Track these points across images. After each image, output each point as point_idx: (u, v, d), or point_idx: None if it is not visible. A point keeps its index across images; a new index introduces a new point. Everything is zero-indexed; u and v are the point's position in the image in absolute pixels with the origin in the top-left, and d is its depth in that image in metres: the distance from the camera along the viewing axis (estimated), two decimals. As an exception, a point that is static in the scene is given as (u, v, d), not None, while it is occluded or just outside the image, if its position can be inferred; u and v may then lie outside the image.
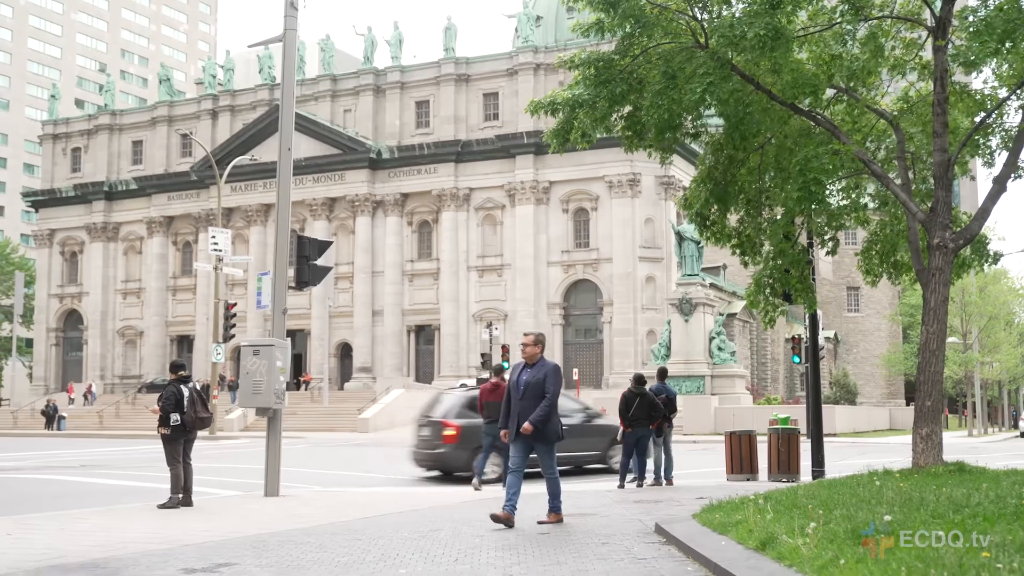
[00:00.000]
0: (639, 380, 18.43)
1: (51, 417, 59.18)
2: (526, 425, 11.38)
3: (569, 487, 18.65)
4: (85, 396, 71.44)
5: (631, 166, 63.55)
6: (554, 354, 67.15)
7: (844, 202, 18.39)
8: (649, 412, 18.04)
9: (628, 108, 16.67)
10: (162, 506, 14.39)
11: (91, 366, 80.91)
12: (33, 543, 10.69)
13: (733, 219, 18.58)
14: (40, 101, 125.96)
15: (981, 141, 16.63)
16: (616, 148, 43.07)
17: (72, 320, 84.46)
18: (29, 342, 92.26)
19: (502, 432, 11.84)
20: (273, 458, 16.54)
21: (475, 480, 18.44)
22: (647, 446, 18.34)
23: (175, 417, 14.59)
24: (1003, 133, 16.67)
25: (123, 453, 34.50)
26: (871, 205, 18.67)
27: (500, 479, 18.08)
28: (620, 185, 65.29)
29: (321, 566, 8.98)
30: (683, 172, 62.97)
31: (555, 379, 11.58)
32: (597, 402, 48.48)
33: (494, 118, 70.08)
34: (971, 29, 14.83)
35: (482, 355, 56.29)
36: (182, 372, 15.05)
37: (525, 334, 11.96)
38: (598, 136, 16.78)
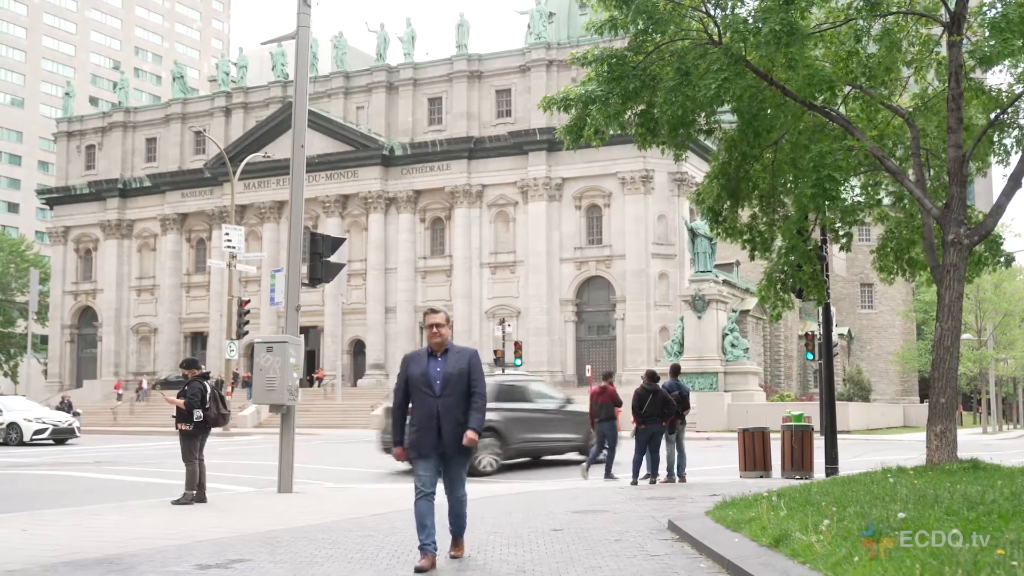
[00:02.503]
0: (652, 377, 18.46)
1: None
2: (470, 435, 8.51)
3: (577, 484, 18.67)
4: (137, 392, 71.31)
5: (644, 163, 63.42)
6: (567, 351, 67.12)
7: (859, 198, 18.35)
8: (662, 409, 18.05)
9: (641, 105, 16.64)
10: (176, 502, 14.43)
11: (105, 363, 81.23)
12: (48, 539, 10.74)
13: (745, 215, 18.54)
14: (54, 99, 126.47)
15: (996, 138, 16.55)
16: (629, 145, 42.99)
17: (87, 317, 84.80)
18: (44, 339, 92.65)
19: (396, 450, 8.86)
20: (287, 454, 16.58)
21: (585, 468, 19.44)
22: (660, 443, 18.33)
23: (198, 413, 14.63)
24: (1019, 130, 16.60)
25: (137, 449, 34.64)
26: (886, 202, 18.62)
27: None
28: (633, 182, 65.18)
29: (335, 562, 9.01)
30: (696, 168, 62.81)
31: (481, 370, 8.84)
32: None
33: (507, 115, 70.02)
34: (989, 25, 14.75)
35: (495, 352, 56.28)
36: (200, 369, 15.11)
37: (432, 311, 8.82)
38: (611, 133, 16.76)
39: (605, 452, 19.79)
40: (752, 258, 18.74)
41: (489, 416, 15.20)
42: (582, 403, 23.31)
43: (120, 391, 72.18)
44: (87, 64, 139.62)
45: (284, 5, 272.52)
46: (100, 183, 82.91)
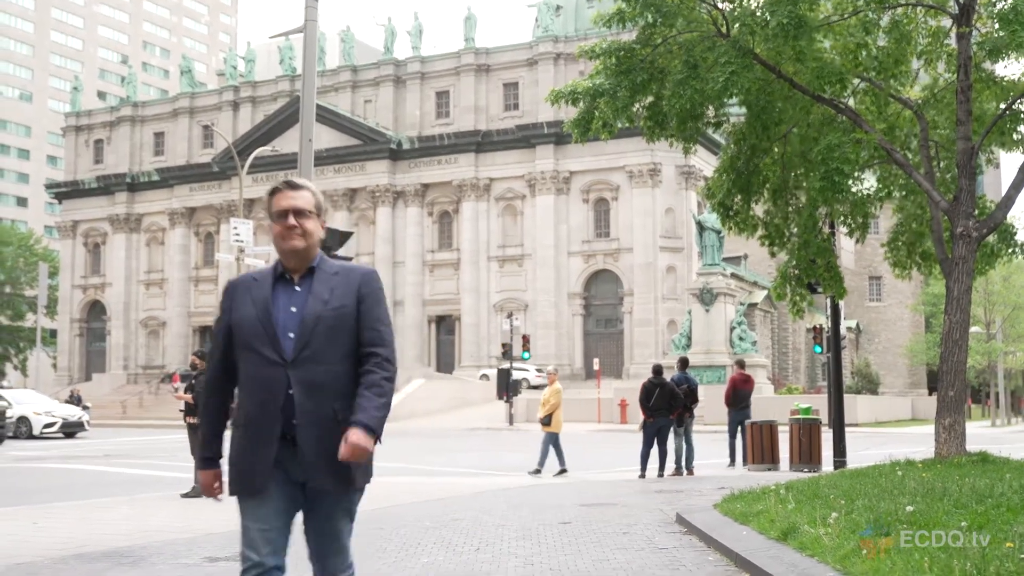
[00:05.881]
0: (658, 370, 18.54)
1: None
2: (356, 438, 4.04)
3: (588, 476, 18.70)
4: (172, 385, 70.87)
5: (652, 156, 63.30)
6: (575, 344, 67.05)
7: (868, 191, 18.30)
8: (669, 402, 18.09)
9: (650, 98, 16.61)
10: (185, 495, 14.47)
11: (114, 356, 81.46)
12: (58, 532, 10.78)
13: (759, 209, 18.50)
14: (63, 93, 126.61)
15: (1008, 128, 16.47)
16: (636, 138, 42.85)
17: (95, 311, 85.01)
18: (53, 333, 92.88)
19: (202, 475, 4.41)
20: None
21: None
22: (668, 436, 18.36)
23: None
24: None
25: (146, 443, 34.74)
26: (897, 195, 18.56)
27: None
28: (641, 175, 65.11)
29: (343, 555, 9.00)
30: (704, 162, 62.71)
31: (385, 308, 4.46)
32: (618, 393, 48.63)
33: (514, 108, 69.98)
34: (998, 17, 14.69)
35: (503, 345, 56.29)
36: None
37: (289, 185, 4.40)
38: (619, 126, 16.74)
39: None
40: (773, 254, 18.71)
41: None
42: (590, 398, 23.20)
43: (176, 385, 71.32)
44: (95, 59, 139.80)
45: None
46: (108, 177, 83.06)
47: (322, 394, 4.15)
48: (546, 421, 19.65)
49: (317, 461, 4.13)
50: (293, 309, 4.22)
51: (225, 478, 4.32)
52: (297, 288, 4.27)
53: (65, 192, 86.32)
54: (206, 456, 4.38)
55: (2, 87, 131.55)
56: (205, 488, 4.42)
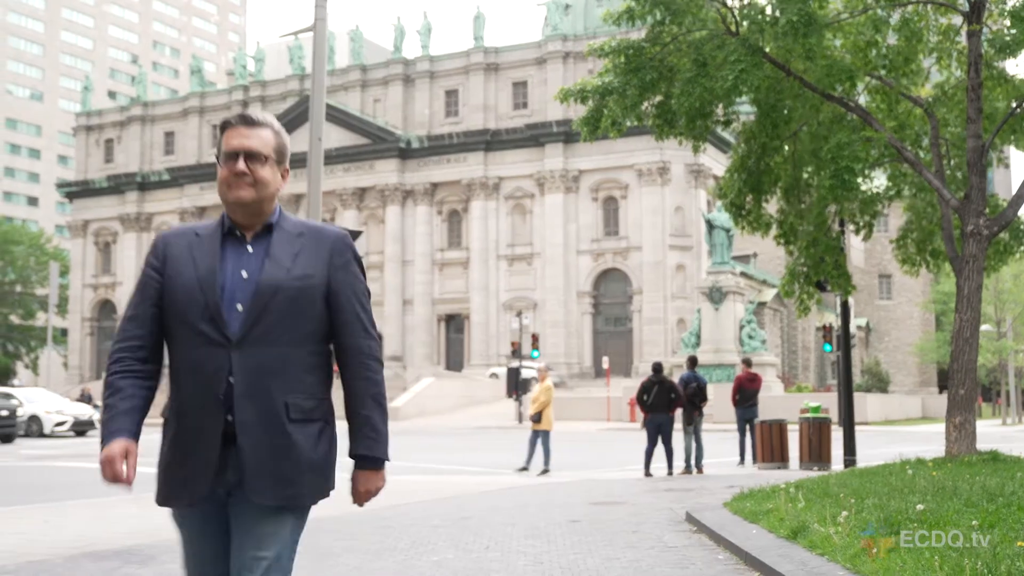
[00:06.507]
0: (657, 368, 18.76)
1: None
2: (373, 483, 3.50)
3: (597, 475, 18.68)
4: None
5: (661, 154, 63.26)
6: (584, 343, 67.05)
7: (878, 189, 18.29)
8: (668, 399, 18.17)
9: (659, 96, 16.60)
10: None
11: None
12: (69, 530, 10.81)
13: (772, 208, 18.49)
14: (73, 93, 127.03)
15: (1018, 126, 16.42)
16: (646, 136, 42.95)
17: (106, 310, 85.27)
18: (64, 331, 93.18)
19: (108, 447, 3.32)
20: (305, 446, 16.62)
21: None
22: (670, 433, 18.37)
23: None
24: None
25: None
26: (907, 192, 18.54)
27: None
28: (650, 173, 65.05)
29: (353, 553, 9.03)
30: (713, 160, 62.63)
31: (363, 284, 3.48)
32: (627, 391, 48.60)
33: (523, 107, 69.98)
34: (1009, 14, 14.65)
35: (512, 344, 56.32)
36: None
37: (245, 120, 3.39)
38: (628, 124, 16.74)
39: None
40: (790, 253, 18.70)
41: None
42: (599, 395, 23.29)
43: None
44: (105, 58, 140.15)
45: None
46: (119, 177, 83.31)
47: (271, 384, 3.22)
48: (536, 418, 19.65)
49: (259, 469, 3.20)
50: (244, 274, 3.26)
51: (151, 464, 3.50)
52: (249, 249, 3.32)
53: (76, 191, 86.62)
54: (113, 430, 3.30)
55: (13, 86, 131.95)
56: (107, 464, 3.26)
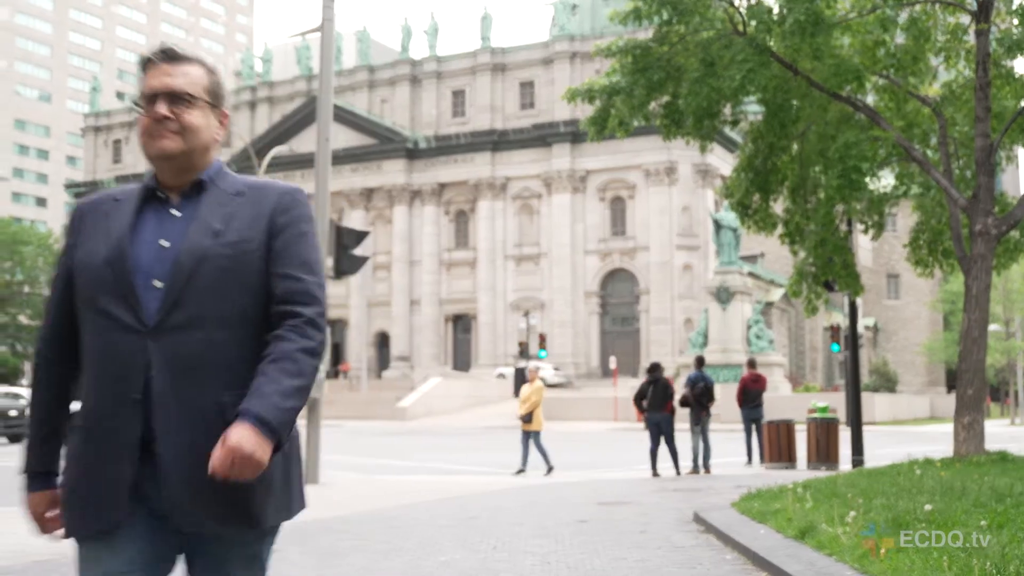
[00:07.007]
0: (652, 368, 19.02)
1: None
2: (238, 439, 2.41)
3: (604, 475, 18.68)
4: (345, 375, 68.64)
5: (668, 154, 63.24)
6: (591, 343, 67.01)
7: (886, 188, 18.28)
8: (663, 397, 18.28)
9: (666, 96, 16.61)
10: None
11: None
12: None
13: (778, 207, 18.48)
14: (81, 94, 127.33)
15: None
16: (653, 136, 42.91)
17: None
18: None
19: (30, 498, 2.76)
20: (313, 446, 16.65)
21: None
22: (671, 432, 18.38)
23: None
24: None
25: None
26: (915, 192, 18.51)
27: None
28: (657, 173, 65.04)
29: (361, 553, 9.04)
30: (721, 160, 62.61)
31: (315, 244, 2.78)
32: (634, 391, 48.45)
33: (530, 107, 70.03)
34: (1018, 13, 14.62)
35: (519, 344, 56.35)
36: None
37: (166, 54, 2.71)
38: (635, 124, 16.75)
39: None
40: (795, 253, 18.70)
41: None
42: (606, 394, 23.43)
43: (347, 371, 68.75)
44: (113, 59, 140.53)
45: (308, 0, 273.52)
46: (127, 177, 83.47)
47: (200, 378, 2.57)
48: (527, 419, 19.63)
49: (186, 488, 2.53)
50: (165, 244, 2.63)
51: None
52: (175, 213, 2.69)
53: (84, 192, 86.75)
54: (33, 471, 2.74)
55: (21, 87, 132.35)
56: (35, 518, 2.76)
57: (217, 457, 2.42)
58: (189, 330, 2.56)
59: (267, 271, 2.65)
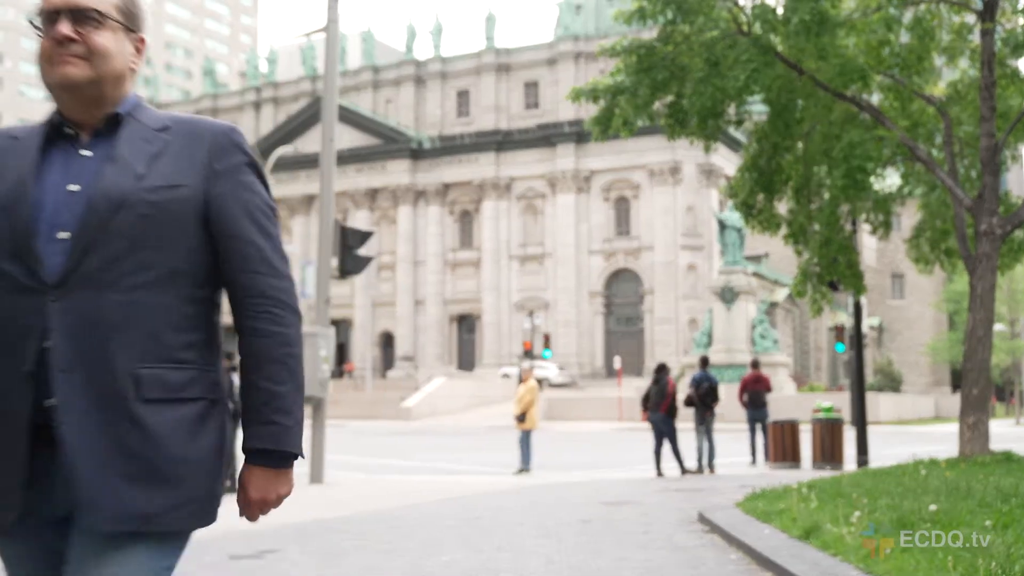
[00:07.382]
0: (658, 369, 19.24)
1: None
2: (265, 489, 2.36)
3: (608, 475, 18.67)
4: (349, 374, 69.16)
5: (672, 154, 63.22)
6: (595, 343, 67.01)
7: (891, 188, 18.28)
8: (660, 397, 18.41)
9: (670, 96, 16.60)
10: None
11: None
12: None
13: (782, 207, 18.48)
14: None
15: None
16: (657, 136, 42.89)
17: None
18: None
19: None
20: (318, 446, 16.68)
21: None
22: (672, 432, 18.41)
23: (229, 405, 14.66)
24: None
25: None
26: (919, 192, 18.50)
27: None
28: (661, 173, 65.02)
29: (364, 553, 9.04)
30: (725, 159, 62.58)
31: (265, 193, 2.39)
32: (639, 391, 48.53)
33: (535, 107, 70.05)
34: (1023, 12, 14.61)
35: (524, 344, 56.35)
36: (232, 360, 15.16)
37: None
38: (640, 124, 16.74)
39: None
40: (798, 253, 18.71)
41: None
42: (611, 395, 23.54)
43: (351, 371, 69.64)
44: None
45: (312, 0, 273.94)
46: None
47: (112, 347, 2.13)
48: (521, 418, 19.69)
49: (92, 479, 2.09)
50: (73, 188, 2.18)
51: None
52: (85, 153, 2.25)
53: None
54: None
55: (26, 87, 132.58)
56: None
57: (245, 509, 2.33)
58: (101, 289, 2.13)
59: (206, 227, 2.25)
